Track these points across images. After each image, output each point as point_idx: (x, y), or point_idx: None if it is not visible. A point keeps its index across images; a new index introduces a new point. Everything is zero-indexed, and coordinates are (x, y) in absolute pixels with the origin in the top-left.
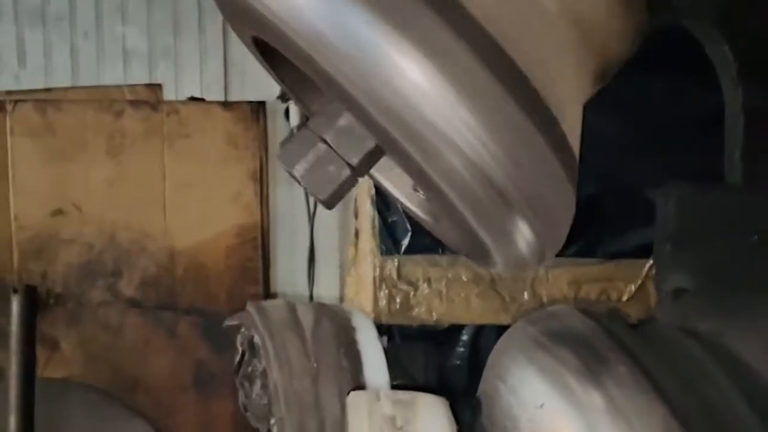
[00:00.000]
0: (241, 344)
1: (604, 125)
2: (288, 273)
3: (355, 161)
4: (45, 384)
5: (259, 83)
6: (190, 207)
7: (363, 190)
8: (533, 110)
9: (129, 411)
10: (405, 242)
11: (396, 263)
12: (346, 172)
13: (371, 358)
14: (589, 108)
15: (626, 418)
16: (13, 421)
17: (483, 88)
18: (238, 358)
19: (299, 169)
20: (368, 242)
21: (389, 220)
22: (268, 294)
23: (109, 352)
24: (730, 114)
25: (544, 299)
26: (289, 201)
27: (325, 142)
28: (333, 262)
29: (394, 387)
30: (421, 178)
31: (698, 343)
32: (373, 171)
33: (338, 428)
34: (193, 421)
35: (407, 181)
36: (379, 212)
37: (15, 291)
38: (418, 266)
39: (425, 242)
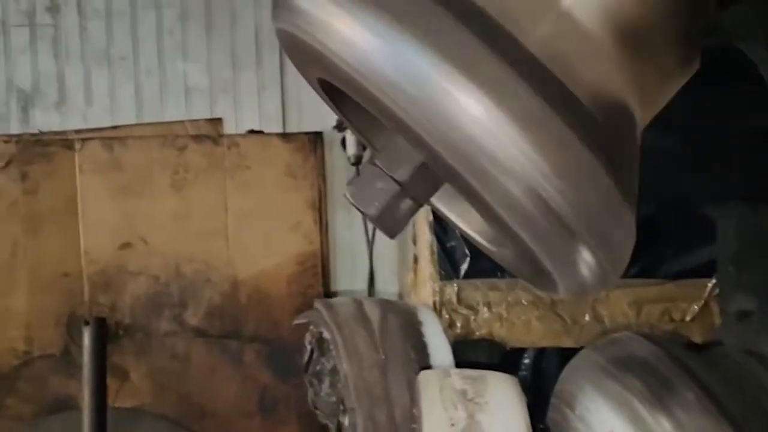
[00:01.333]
0: (310, 342)
1: (662, 144)
2: None
3: (422, 196)
4: (116, 413)
5: (315, 114)
6: (251, 237)
7: (421, 217)
8: (592, 140)
9: None
10: (464, 267)
11: (455, 288)
12: (414, 206)
13: (438, 350)
14: (647, 127)
15: None
16: None
17: (542, 120)
18: (306, 356)
19: (371, 209)
20: (427, 267)
21: (447, 245)
22: None
23: (176, 380)
24: None
25: (606, 321)
26: (347, 228)
27: (394, 180)
28: (392, 288)
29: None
30: (484, 209)
31: (764, 367)
32: (433, 200)
33: (407, 417)
34: None
35: (467, 208)
36: (438, 238)
37: (86, 323)
38: (477, 290)
39: (484, 266)
